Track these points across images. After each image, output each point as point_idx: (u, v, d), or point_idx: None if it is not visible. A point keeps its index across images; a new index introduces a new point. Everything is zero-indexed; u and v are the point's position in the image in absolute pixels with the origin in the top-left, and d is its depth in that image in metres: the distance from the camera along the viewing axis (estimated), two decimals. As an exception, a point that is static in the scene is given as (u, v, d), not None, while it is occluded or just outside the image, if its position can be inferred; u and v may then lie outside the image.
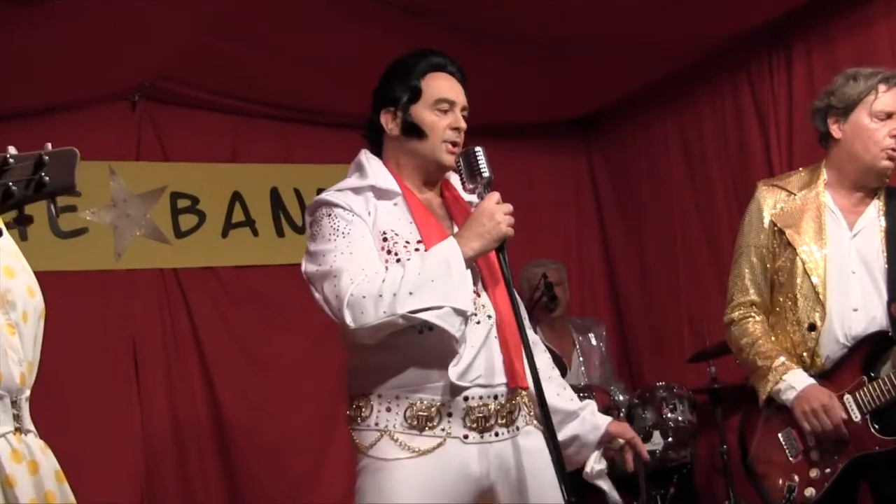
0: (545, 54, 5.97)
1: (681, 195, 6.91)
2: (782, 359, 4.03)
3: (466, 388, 3.10)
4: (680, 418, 5.89)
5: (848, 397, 3.96)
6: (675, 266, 6.93)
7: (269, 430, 6.20)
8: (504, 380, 3.16)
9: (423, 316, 2.97)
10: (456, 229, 3.25)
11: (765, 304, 4.21)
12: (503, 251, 3.10)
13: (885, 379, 3.89)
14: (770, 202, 4.22)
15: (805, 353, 4.04)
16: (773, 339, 4.13)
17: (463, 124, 3.32)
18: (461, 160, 3.20)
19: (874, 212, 4.10)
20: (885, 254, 4.02)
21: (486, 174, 3.15)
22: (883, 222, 4.07)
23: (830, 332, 4.02)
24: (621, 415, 5.89)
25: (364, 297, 3.00)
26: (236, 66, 5.82)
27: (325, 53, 5.72)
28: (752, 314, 4.20)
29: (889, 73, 4.09)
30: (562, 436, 3.28)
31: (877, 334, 3.98)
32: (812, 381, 3.99)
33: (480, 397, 3.13)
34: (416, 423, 3.10)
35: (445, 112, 3.29)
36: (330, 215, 3.19)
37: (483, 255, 3.17)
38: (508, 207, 3.10)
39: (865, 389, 3.93)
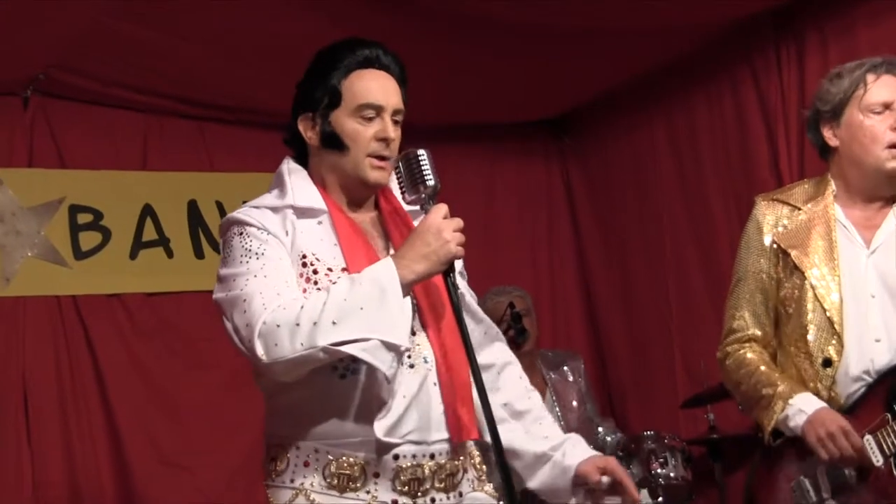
0: (513, 41, 5.97)
1: (671, 210, 6.91)
2: (788, 383, 4.01)
3: (396, 445, 3.06)
4: (672, 474, 5.89)
5: (868, 438, 3.93)
6: (666, 293, 6.94)
7: (184, 487, 6.16)
8: (444, 435, 3.12)
9: (347, 349, 2.91)
10: (392, 251, 3.21)
11: (767, 339, 4.19)
12: (451, 275, 3.03)
13: (912, 417, 3.86)
14: (771, 220, 4.21)
15: (823, 392, 4.00)
16: (776, 367, 4.10)
17: (392, 133, 3.22)
18: (400, 165, 3.13)
19: (893, 224, 4.08)
20: None
21: (431, 182, 3.09)
22: None
23: (849, 366, 3.98)
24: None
25: (279, 325, 2.94)
26: (148, 54, 5.78)
27: (256, 41, 5.71)
28: (751, 346, 4.17)
29: (876, 60, 4.11)
30: (533, 485, 3.29)
31: (901, 367, 3.95)
32: (824, 404, 3.95)
33: (413, 456, 3.09)
34: (336, 482, 3.06)
35: (371, 119, 3.21)
36: (241, 234, 3.15)
37: (424, 281, 3.13)
38: (458, 223, 3.03)
39: (889, 429, 3.90)
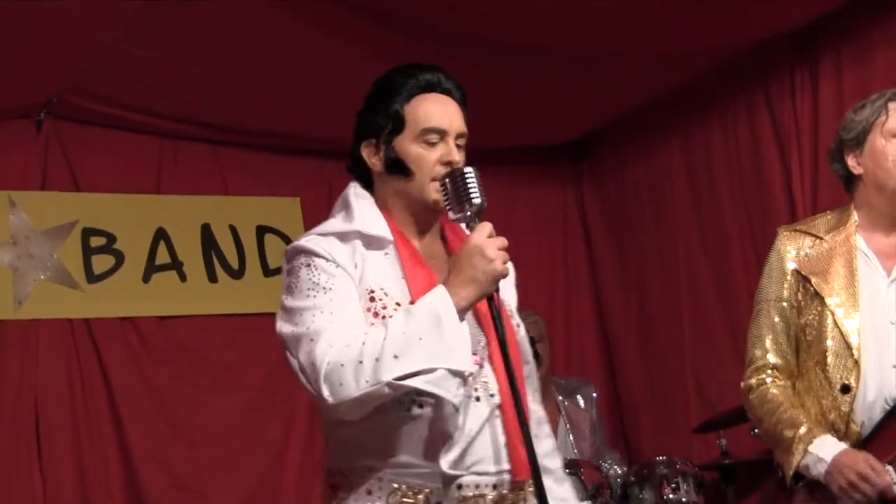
0: (529, 65, 5.97)
1: (686, 235, 6.89)
2: (807, 427, 3.99)
3: (460, 476, 3.05)
4: (684, 499, 5.85)
5: (889, 468, 3.90)
6: (680, 318, 6.91)
7: (197, 512, 6.12)
8: (506, 467, 3.11)
9: (411, 383, 2.89)
10: None
11: (789, 368, 4.17)
12: (495, 297, 3.02)
13: (934, 447, 3.85)
14: (793, 250, 4.20)
15: (838, 419, 3.99)
16: (798, 405, 4.08)
17: (457, 157, 3.18)
18: (447, 182, 3.08)
19: None
20: None
21: (477, 200, 3.05)
22: None
23: (867, 393, 3.96)
24: (615, 492, 5.85)
25: (342, 364, 2.92)
26: (162, 78, 5.79)
27: (270, 65, 5.70)
28: (774, 378, 4.16)
29: None
30: None
31: (919, 395, 3.94)
32: (843, 446, 3.93)
33: (476, 486, 3.08)
34: None
35: (434, 144, 3.18)
36: (309, 266, 3.10)
37: (479, 304, 3.11)
38: (502, 241, 3.00)
39: None
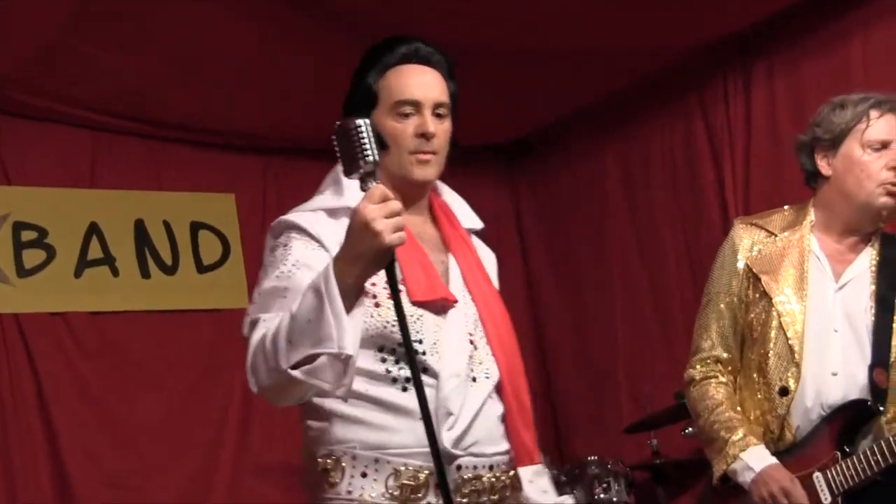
0: (465, 66, 5.90)
1: (621, 237, 6.93)
2: (742, 433, 4.01)
3: (460, 456, 3.02)
4: (615, 499, 5.90)
5: (818, 475, 3.94)
6: (613, 320, 6.96)
7: (131, 511, 6.09)
8: (502, 447, 3.11)
9: (295, 374, 2.74)
10: (453, 263, 3.19)
11: (733, 362, 4.19)
12: (393, 273, 2.74)
13: (861, 455, 3.87)
14: (747, 243, 4.20)
15: (774, 421, 4.02)
16: (736, 406, 4.11)
17: (431, 127, 3.11)
18: (335, 138, 2.77)
19: (866, 261, 4.10)
20: (874, 311, 4.02)
21: (371, 157, 2.71)
22: (874, 274, 4.07)
23: (805, 398, 3.99)
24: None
25: (256, 353, 2.87)
26: (97, 72, 5.75)
27: (206, 60, 5.68)
28: (716, 373, 4.18)
29: (881, 97, 4.09)
30: None
31: (855, 403, 3.97)
32: (773, 460, 3.97)
33: (474, 467, 3.05)
34: (399, 493, 2.97)
35: (409, 115, 3.13)
36: (287, 246, 3.04)
37: (483, 291, 3.13)
38: (392, 207, 2.69)
39: (838, 467, 3.92)
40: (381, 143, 3.00)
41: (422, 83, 3.16)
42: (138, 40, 5.45)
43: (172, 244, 6.51)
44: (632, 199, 6.87)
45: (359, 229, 2.70)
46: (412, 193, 3.19)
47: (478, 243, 3.41)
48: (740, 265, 4.18)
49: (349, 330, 2.73)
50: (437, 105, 3.15)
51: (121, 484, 6.09)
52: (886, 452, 3.84)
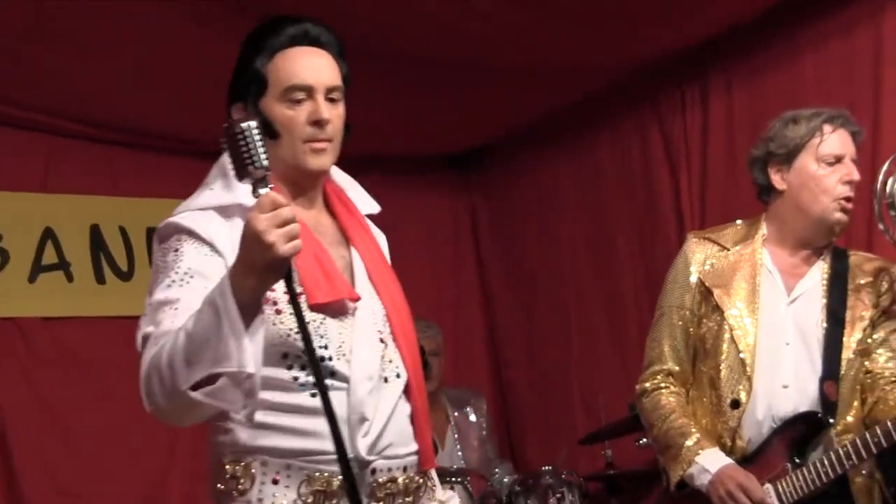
0: (421, 75, 5.97)
1: (576, 248, 6.95)
2: (696, 437, 4.04)
3: (374, 460, 2.93)
4: (569, 510, 5.87)
5: (768, 486, 3.98)
6: (568, 330, 6.97)
7: (83, 521, 6.04)
8: (413, 448, 3.03)
9: (195, 396, 2.60)
10: (356, 257, 3.06)
11: (685, 375, 4.22)
12: (290, 282, 2.60)
13: (811, 466, 3.91)
14: (699, 257, 4.23)
15: (725, 433, 4.06)
16: (689, 413, 4.13)
17: (325, 114, 2.95)
18: (224, 143, 2.61)
19: (817, 275, 4.14)
20: (825, 325, 4.05)
21: (259, 164, 2.56)
22: (826, 288, 4.10)
23: (756, 411, 4.04)
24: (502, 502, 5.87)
25: (150, 373, 2.69)
26: (52, 75, 5.71)
27: (162, 65, 5.65)
28: (668, 385, 4.21)
29: (833, 112, 4.13)
30: None
31: (805, 415, 4.01)
32: (728, 461, 4.00)
33: (389, 469, 2.96)
34: (312, 500, 2.87)
35: (301, 101, 2.96)
36: (178, 251, 2.87)
37: (391, 289, 3.04)
38: (283, 216, 2.52)
39: (788, 479, 3.96)
40: (272, 132, 2.93)
41: (313, 67, 3.00)
42: (94, 45, 5.42)
43: (128, 250, 6.47)
44: (587, 209, 6.88)
45: (251, 242, 2.53)
46: (306, 183, 3.06)
47: (373, 227, 3.29)
48: (693, 279, 4.21)
49: (249, 347, 2.59)
50: (331, 89, 2.99)
51: (74, 492, 6.05)
52: (836, 464, 3.88)
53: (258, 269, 2.55)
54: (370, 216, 3.26)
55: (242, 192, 2.78)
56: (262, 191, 2.56)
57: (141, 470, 6.15)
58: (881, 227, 4.14)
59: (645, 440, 5.46)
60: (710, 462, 4.01)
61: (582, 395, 6.79)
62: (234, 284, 2.57)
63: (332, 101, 2.99)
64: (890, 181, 4.11)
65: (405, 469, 3.01)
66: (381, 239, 3.30)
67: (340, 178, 3.22)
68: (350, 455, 2.82)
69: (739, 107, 5.93)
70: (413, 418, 3.03)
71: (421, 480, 3.06)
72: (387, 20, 5.35)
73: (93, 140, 6.46)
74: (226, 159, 2.80)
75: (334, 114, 2.98)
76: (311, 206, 3.09)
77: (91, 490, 6.08)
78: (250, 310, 2.60)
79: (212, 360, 2.57)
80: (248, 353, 2.58)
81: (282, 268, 2.56)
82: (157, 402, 2.68)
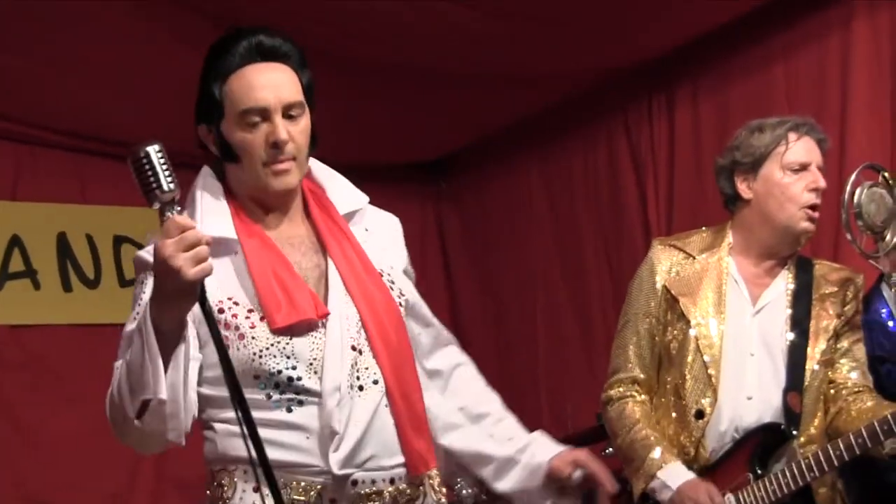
0: (388, 83, 5.96)
1: (544, 256, 6.96)
2: (659, 450, 4.04)
3: (352, 473, 2.87)
4: (536, 516, 5.86)
5: (730, 497, 3.99)
6: (535, 338, 6.99)
7: (51, 528, 6.02)
8: (401, 460, 2.93)
9: (138, 424, 2.61)
10: (331, 266, 2.97)
11: (649, 384, 4.22)
12: (206, 305, 2.56)
13: (773, 477, 3.92)
14: (665, 265, 4.23)
15: (689, 443, 4.06)
16: (654, 424, 4.13)
17: (282, 135, 2.85)
18: (131, 169, 2.52)
19: (782, 285, 4.15)
20: (789, 335, 4.06)
21: (160, 190, 2.47)
22: (790, 298, 4.12)
23: (720, 421, 4.04)
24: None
25: (109, 406, 2.72)
26: (19, 83, 5.70)
27: (129, 74, 5.64)
28: (633, 393, 4.21)
29: (798, 120, 4.14)
30: (504, 487, 3.14)
31: (768, 426, 4.02)
32: (691, 475, 4.00)
33: (373, 481, 2.89)
34: None
35: (257, 124, 2.88)
36: (143, 283, 2.85)
37: (367, 293, 2.96)
38: (190, 239, 2.45)
39: (750, 489, 3.97)
40: (232, 155, 2.92)
41: (267, 85, 2.89)
42: (61, 52, 5.41)
43: (95, 258, 6.46)
44: (555, 217, 6.90)
45: (159, 268, 2.48)
46: (276, 202, 3.00)
47: (373, 216, 3.23)
48: (658, 286, 4.20)
49: (162, 374, 2.57)
50: (289, 106, 2.90)
51: (41, 499, 6.03)
52: (798, 476, 3.89)
53: (170, 295, 2.52)
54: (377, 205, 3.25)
55: (199, 225, 2.70)
56: (168, 214, 2.48)
57: (108, 477, 6.13)
58: (848, 236, 4.16)
59: (611, 449, 5.46)
60: (672, 478, 4.00)
61: (549, 404, 6.79)
62: (153, 312, 2.55)
63: (291, 117, 2.91)
64: (858, 191, 4.13)
65: (392, 481, 2.94)
66: (387, 227, 3.28)
67: (321, 174, 3.15)
68: (324, 468, 2.84)
69: (706, 115, 5.96)
70: (397, 425, 2.92)
71: (413, 491, 2.98)
72: (356, 28, 5.35)
73: (60, 148, 6.45)
74: (196, 185, 2.94)
75: (295, 131, 2.90)
76: (282, 219, 3.03)
77: (58, 497, 6.06)
78: (171, 336, 2.59)
79: (139, 389, 2.57)
80: (162, 380, 2.56)
81: (193, 291, 2.51)
82: (118, 430, 2.72)
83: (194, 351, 2.78)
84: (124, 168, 7.03)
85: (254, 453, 2.57)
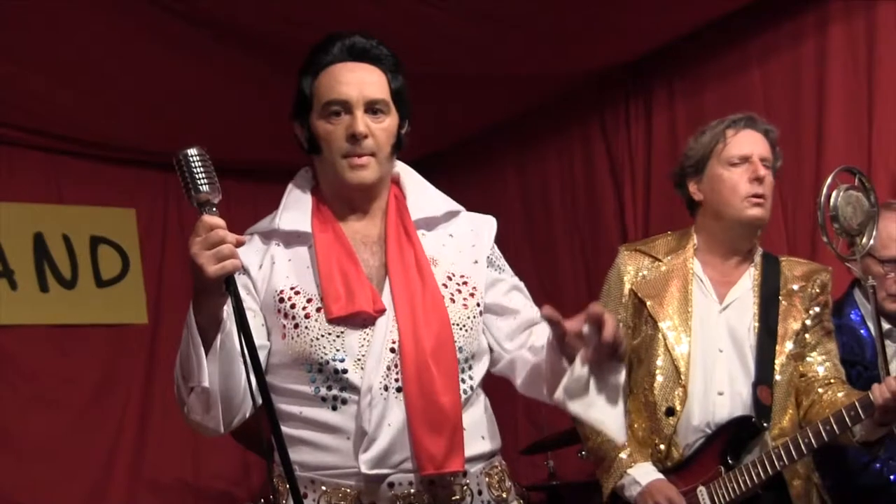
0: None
1: (520, 258, 6.90)
2: (629, 451, 4.06)
3: (386, 476, 2.89)
4: (512, 520, 5.87)
5: (702, 489, 4.00)
6: (511, 341, 6.93)
7: (22, 526, 6.01)
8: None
9: (187, 411, 2.82)
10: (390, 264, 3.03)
11: None
12: (234, 296, 2.65)
13: (743, 468, 3.93)
14: (632, 270, 4.25)
15: (661, 441, 4.08)
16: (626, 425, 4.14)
17: (361, 127, 2.94)
18: (177, 171, 2.66)
19: (748, 282, 4.17)
20: (757, 330, 4.08)
21: (196, 190, 2.63)
22: (757, 294, 4.14)
23: (691, 417, 4.05)
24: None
25: (175, 387, 2.86)
26: (-5, 83, 5.67)
27: (106, 74, 5.64)
28: None
29: (737, 116, 4.19)
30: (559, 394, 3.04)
31: (739, 420, 4.03)
32: (659, 475, 4.03)
33: (410, 483, 2.90)
34: None
35: (339, 116, 2.97)
36: None
37: (395, 280, 2.98)
38: (212, 239, 2.60)
39: (721, 481, 3.98)
40: (316, 147, 3.02)
41: (352, 81, 2.99)
42: (38, 54, 5.40)
43: (72, 258, 6.46)
44: (531, 220, 6.91)
45: (190, 265, 2.63)
46: (355, 196, 3.07)
47: (464, 221, 3.30)
48: (626, 291, 4.23)
49: (205, 363, 2.74)
50: (372, 102, 2.98)
51: (15, 500, 6.01)
52: (767, 464, 3.90)
53: (199, 290, 2.67)
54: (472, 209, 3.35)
55: (279, 219, 3.02)
56: (204, 215, 2.62)
57: (82, 478, 6.14)
58: (825, 239, 4.18)
59: (586, 452, 5.48)
60: (641, 475, 4.02)
61: (525, 406, 6.78)
62: (194, 305, 2.72)
63: (374, 112, 2.99)
64: (834, 194, 4.14)
65: (431, 482, 2.93)
66: (473, 228, 3.33)
67: (408, 180, 3.22)
68: (357, 469, 2.87)
69: (682, 119, 5.98)
70: (409, 422, 2.89)
71: (463, 488, 2.98)
72: (328, 29, 5.33)
73: (37, 149, 6.46)
74: (292, 182, 3.12)
75: (376, 128, 2.98)
76: (362, 218, 3.10)
77: (32, 498, 6.05)
78: (210, 327, 2.74)
79: (189, 376, 2.76)
80: (205, 367, 2.73)
81: (218, 287, 2.63)
82: (186, 414, 2.86)
83: (262, 340, 2.92)
84: (101, 168, 7.11)
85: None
